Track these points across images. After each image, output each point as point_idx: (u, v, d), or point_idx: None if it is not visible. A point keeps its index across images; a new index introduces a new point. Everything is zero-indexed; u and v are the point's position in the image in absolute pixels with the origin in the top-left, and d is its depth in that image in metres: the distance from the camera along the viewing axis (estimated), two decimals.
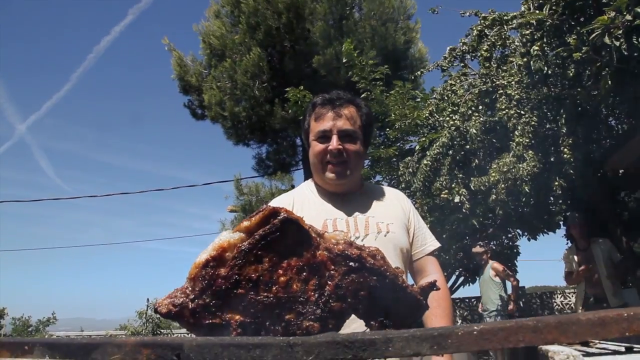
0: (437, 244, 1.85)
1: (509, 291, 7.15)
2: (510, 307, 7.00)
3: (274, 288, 0.76)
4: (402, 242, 1.69)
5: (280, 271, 0.77)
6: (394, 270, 0.76)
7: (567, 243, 6.77)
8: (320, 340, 0.48)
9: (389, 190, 1.91)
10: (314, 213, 1.67)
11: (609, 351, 0.49)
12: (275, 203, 1.80)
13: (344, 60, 7.88)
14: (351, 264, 0.75)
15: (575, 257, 5.55)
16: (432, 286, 0.80)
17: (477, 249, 7.16)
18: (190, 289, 0.78)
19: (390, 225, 1.69)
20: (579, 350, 0.46)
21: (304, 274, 0.76)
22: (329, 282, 0.75)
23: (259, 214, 0.78)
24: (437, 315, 1.64)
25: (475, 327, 0.44)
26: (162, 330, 15.67)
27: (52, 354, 0.59)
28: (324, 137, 1.68)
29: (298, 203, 1.74)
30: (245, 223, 0.79)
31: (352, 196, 1.77)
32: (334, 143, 1.65)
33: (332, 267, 0.76)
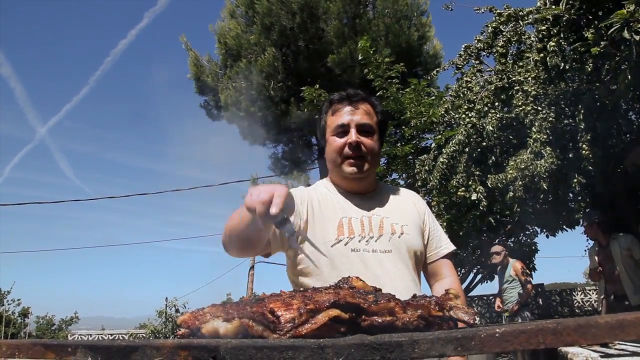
0: (452, 247, 1.84)
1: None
2: (515, 307, 6.88)
3: None
4: (415, 245, 1.69)
5: None
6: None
7: (587, 240, 6.69)
8: (350, 342, 0.50)
9: (404, 192, 1.91)
10: (331, 211, 1.67)
11: (628, 352, 0.51)
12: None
13: (360, 58, 7.88)
14: None
15: (597, 256, 5.47)
16: None
17: (496, 249, 7.09)
18: None
19: (405, 227, 1.69)
20: (598, 352, 0.47)
21: None
22: None
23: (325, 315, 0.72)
24: None
25: (498, 330, 0.46)
26: (181, 330, 15.89)
27: (94, 356, 0.63)
28: (342, 131, 1.68)
29: (315, 200, 1.72)
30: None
31: (367, 196, 1.77)
32: (353, 136, 1.65)
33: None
